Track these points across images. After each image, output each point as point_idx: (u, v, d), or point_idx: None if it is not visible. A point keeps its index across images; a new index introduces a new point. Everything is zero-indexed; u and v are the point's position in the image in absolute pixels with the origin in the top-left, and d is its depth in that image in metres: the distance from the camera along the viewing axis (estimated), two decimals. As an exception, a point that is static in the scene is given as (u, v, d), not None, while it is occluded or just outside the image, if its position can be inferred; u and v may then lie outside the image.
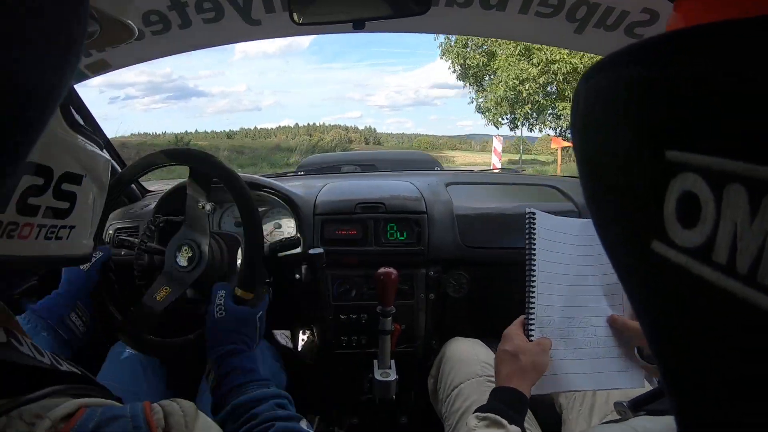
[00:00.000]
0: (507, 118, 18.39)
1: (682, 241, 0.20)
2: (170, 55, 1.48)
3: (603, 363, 0.94)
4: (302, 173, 2.36)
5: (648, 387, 0.94)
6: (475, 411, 0.85)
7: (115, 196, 1.16)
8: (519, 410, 0.83)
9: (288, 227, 1.57)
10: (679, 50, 0.19)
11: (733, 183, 0.17)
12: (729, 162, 0.17)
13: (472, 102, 18.53)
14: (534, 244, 0.93)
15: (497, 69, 16.86)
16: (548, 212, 0.96)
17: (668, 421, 0.71)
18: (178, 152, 1.13)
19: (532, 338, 0.92)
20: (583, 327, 0.95)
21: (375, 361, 1.28)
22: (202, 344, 0.99)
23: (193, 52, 1.55)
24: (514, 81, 16.13)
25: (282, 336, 1.62)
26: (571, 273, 0.95)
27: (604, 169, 0.25)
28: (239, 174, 1.11)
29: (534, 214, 0.94)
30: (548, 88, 16.54)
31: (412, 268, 1.48)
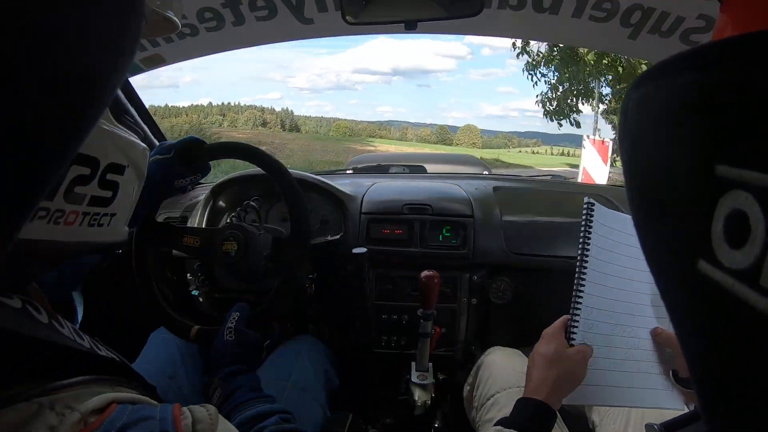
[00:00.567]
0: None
1: (729, 262, 0.19)
2: (223, 51, 1.53)
3: (643, 379, 0.88)
4: (351, 172, 2.38)
5: (686, 410, 0.89)
6: (497, 423, 0.80)
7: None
8: (544, 427, 0.78)
9: (334, 224, 1.58)
10: (735, 58, 0.18)
11: None
12: None
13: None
14: (589, 237, 0.86)
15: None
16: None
17: None
18: (231, 146, 1.15)
19: (573, 342, 0.85)
20: (627, 337, 0.88)
21: (413, 363, 1.28)
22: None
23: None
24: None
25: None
26: (623, 276, 0.88)
27: (650, 181, 0.24)
28: (289, 170, 1.13)
29: (593, 204, 0.87)
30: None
31: (456, 271, 1.47)
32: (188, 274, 1.34)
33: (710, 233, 0.20)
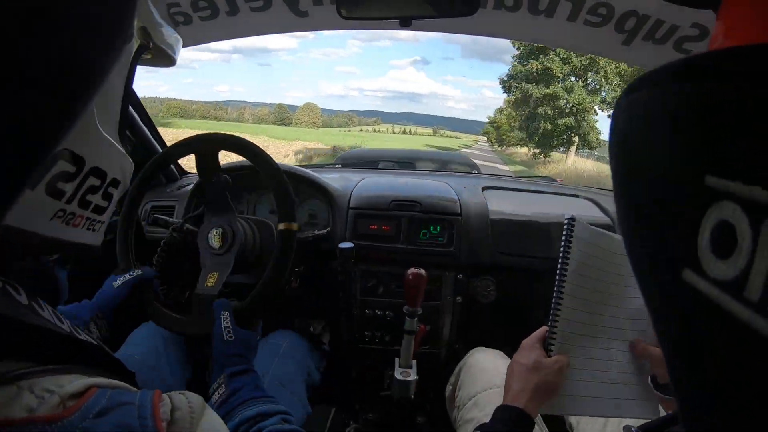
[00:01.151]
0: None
1: (715, 272, 0.19)
2: (217, 41, 1.51)
3: (620, 389, 0.89)
4: (339, 166, 2.38)
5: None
6: (476, 429, 0.82)
7: (155, 175, 1.19)
8: None
9: (321, 219, 1.58)
10: (725, 71, 0.19)
11: None
12: None
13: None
14: (569, 253, 0.87)
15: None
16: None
17: None
18: (218, 138, 1.15)
19: (551, 353, 0.87)
20: (604, 349, 0.90)
21: (397, 360, 1.28)
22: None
23: None
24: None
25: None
26: (602, 290, 0.90)
27: (639, 189, 0.24)
28: (278, 163, 1.13)
29: (573, 220, 0.88)
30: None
31: (442, 269, 1.48)
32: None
33: (697, 243, 0.20)
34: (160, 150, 1.67)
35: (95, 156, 0.51)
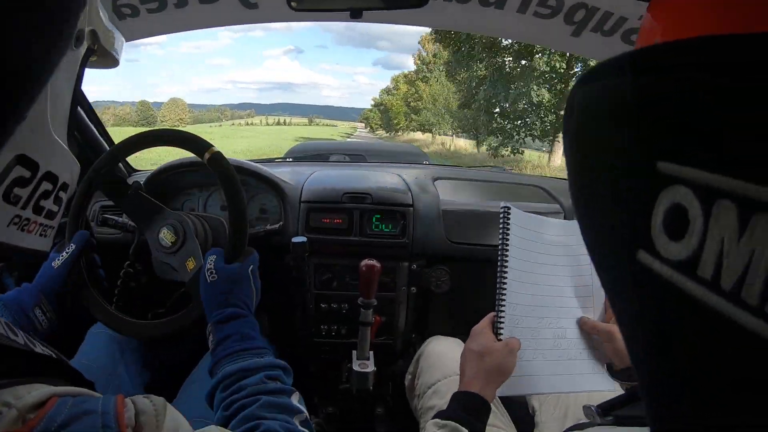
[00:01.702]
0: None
1: (668, 253, 0.20)
2: (164, 33, 1.46)
3: (572, 365, 0.93)
4: (291, 160, 2.35)
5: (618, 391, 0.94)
6: (434, 417, 0.83)
7: (106, 174, 1.14)
8: (480, 418, 0.81)
9: (273, 213, 1.56)
10: (676, 61, 0.19)
11: (723, 199, 0.17)
12: (720, 178, 0.17)
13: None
14: (507, 240, 0.91)
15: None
16: (533, 213, 0.96)
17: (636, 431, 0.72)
18: (167, 134, 1.12)
19: (501, 337, 0.90)
20: (553, 328, 0.94)
21: (354, 352, 1.28)
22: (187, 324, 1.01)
23: None
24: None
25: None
26: (543, 272, 0.94)
27: (593, 175, 0.25)
28: (227, 158, 1.10)
29: (509, 209, 0.92)
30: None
31: (396, 260, 1.48)
32: (125, 266, 1.29)
33: (650, 226, 0.20)
34: (107, 146, 1.62)
35: (48, 160, 0.50)
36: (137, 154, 1.18)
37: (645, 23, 0.27)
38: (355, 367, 1.24)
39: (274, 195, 1.53)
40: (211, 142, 1.06)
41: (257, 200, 1.58)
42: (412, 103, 49.81)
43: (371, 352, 1.28)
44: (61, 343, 0.68)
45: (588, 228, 0.27)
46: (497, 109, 18.07)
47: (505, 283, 0.90)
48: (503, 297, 0.91)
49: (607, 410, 0.77)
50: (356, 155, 2.70)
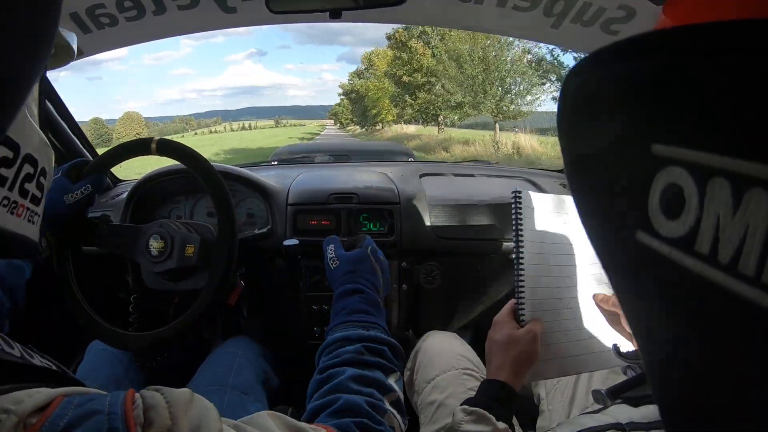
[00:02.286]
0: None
1: (666, 231, 0.20)
2: (144, 41, 1.44)
3: (594, 343, 0.93)
4: (275, 163, 2.34)
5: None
6: (463, 403, 0.83)
7: (106, 170, 1.13)
8: (507, 405, 0.82)
9: (260, 217, 1.55)
10: (667, 47, 0.20)
11: (717, 177, 0.18)
12: (713, 156, 0.18)
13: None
14: (521, 223, 0.90)
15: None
16: None
17: (648, 409, 0.72)
18: (175, 147, 1.11)
19: (523, 323, 0.90)
20: (573, 308, 0.93)
21: None
22: (179, 335, 1.02)
23: None
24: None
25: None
26: (558, 252, 0.94)
27: (590, 161, 0.26)
28: (212, 163, 1.10)
29: (520, 193, 0.91)
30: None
31: (386, 258, 1.48)
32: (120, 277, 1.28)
33: (647, 206, 0.21)
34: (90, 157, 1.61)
35: (28, 143, 0.49)
36: (122, 163, 1.16)
37: (658, 23, 0.28)
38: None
39: (260, 199, 1.52)
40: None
41: (244, 205, 1.57)
42: (405, 78, 32.72)
43: None
44: (61, 353, 0.67)
45: (587, 214, 0.28)
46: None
47: (522, 269, 0.90)
48: (522, 283, 0.90)
49: (617, 393, 0.78)
50: (341, 155, 2.70)
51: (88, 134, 1.74)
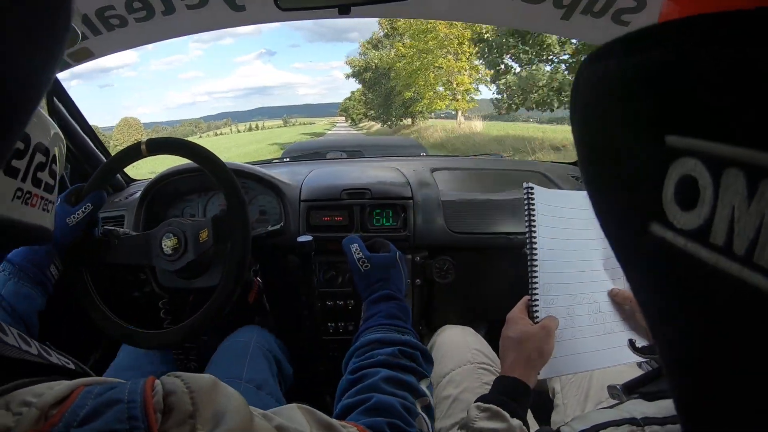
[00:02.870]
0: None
1: (681, 223, 0.20)
2: (153, 42, 1.45)
3: (610, 339, 0.93)
4: (287, 160, 2.35)
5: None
6: (477, 400, 0.83)
7: (104, 185, 1.14)
8: (522, 402, 0.82)
9: (273, 214, 1.56)
10: (681, 37, 0.20)
11: (732, 167, 0.18)
12: (728, 147, 0.18)
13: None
14: (534, 219, 0.90)
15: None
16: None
17: (664, 404, 0.71)
18: (163, 142, 1.12)
19: (537, 319, 0.90)
20: (587, 303, 0.93)
21: None
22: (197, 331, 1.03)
23: None
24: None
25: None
26: (572, 248, 0.93)
27: (603, 153, 0.25)
28: (224, 161, 1.11)
29: (532, 188, 0.91)
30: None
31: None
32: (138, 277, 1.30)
33: (661, 198, 0.21)
34: (104, 159, 1.62)
35: (37, 132, 0.50)
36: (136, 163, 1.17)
37: (663, 9, 0.28)
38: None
39: (273, 196, 1.53)
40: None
41: (256, 202, 1.58)
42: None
43: None
44: (80, 352, 0.68)
45: (601, 206, 0.28)
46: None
47: (536, 265, 0.90)
48: (536, 279, 0.90)
49: (632, 389, 0.77)
50: (353, 151, 2.70)
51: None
